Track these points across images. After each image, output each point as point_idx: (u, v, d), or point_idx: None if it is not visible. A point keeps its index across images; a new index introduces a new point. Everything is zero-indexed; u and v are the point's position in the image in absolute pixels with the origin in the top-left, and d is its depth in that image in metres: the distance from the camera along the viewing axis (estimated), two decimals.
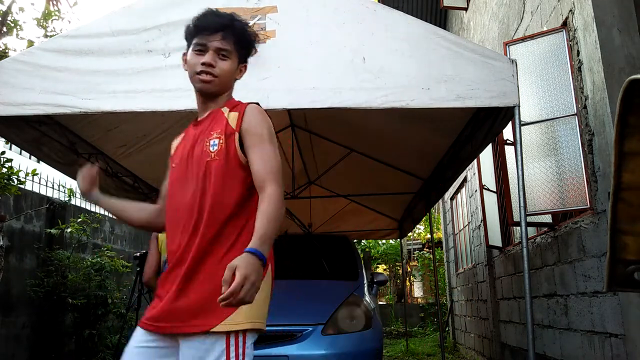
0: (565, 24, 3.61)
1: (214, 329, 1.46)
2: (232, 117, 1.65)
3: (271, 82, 2.93)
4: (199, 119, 1.76)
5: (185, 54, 1.74)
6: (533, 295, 4.02)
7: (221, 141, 1.61)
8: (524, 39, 3.80)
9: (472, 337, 7.47)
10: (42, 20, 6.54)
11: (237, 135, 1.61)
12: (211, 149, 1.62)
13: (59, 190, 6.57)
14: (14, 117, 3.01)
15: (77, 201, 6.93)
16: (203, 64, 1.65)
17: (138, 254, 6.06)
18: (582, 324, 3.54)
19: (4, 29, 6.02)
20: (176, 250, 1.58)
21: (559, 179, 3.47)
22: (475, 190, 6.41)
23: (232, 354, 1.48)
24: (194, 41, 1.69)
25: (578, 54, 3.45)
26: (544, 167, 3.56)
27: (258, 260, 1.37)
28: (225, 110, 1.69)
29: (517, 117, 2.96)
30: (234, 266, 1.32)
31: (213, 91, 1.70)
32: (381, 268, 14.67)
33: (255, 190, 1.57)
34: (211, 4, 3.02)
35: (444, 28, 7.62)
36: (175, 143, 1.88)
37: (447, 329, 9.43)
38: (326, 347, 3.47)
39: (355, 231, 8.92)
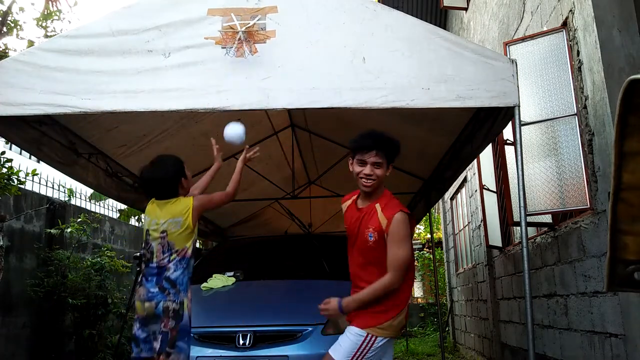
0: (565, 24, 3.61)
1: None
2: (382, 219, 2.44)
3: (271, 82, 2.93)
4: (359, 206, 2.59)
5: (351, 162, 2.57)
6: (533, 295, 4.02)
7: (375, 235, 2.45)
8: (524, 39, 3.80)
9: (472, 337, 7.47)
10: (42, 20, 6.54)
11: (385, 234, 2.43)
12: (369, 238, 2.47)
13: (59, 190, 6.56)
14: (14, 117, 3.01)
15: (77, 201, 6.93)
16: (365, 174, 2.48)
17: (138, 254, 6.07)
18: (582, 324, 3.54)
19: (4, 29, 6.02)
20: None
21: (559, 179, 3.47)
22: (475, 190, 6.41)
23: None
24: (356, 157, 2.53)
25: (578, 54, 3.45)
26: (544, 167, 3.56)
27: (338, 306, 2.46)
28: (378, 208, 2.49)
29: (517, 117, 2.96)
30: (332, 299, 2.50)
31: (372, 191, 2.52)
32: None
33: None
34: (211, 4, 3.04)
35: (444, 28, 7.62)
36: (345, 206, 2.72)
37: (447, 329, 9.43)
38: (326, 347, 3.44)
39: None
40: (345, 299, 2.45)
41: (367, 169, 2.47)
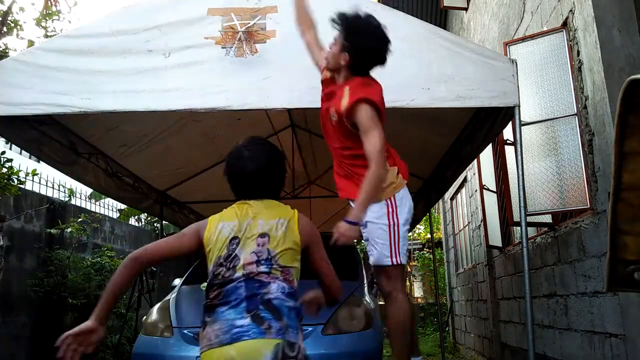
0: (565, 24, 3.61)
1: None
2: (344, 102, 2.38)
3: (271, 82, 2.93)
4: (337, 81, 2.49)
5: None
6: (533, 295, 4.02)
7: (336, 115, 2.45)
8: (524, 39, 3.79)
9: (472, 337, 7.47)
10: (42, 20, 6.54)
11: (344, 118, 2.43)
12: (331, 118, 2.50)
13: (59, 190, 6.56)
14: (14, 117, 3.01)
15: (77, 201, 6.93)
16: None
17: None
18: (582, 324, 3.54)
19: (4, 29, 6.02)
20: None
21: (559, 179, 3.47)
22: (475, 190, 6.41)
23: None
24: None
25: (578, 54, 3.45)
26: (544, 167, 3.56)
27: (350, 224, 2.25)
28: (346, 90, 2.41)
29: (517, 117, 2.96)
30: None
31: (332, 68, 2.47)
32: None
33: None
34: (211, 3, 3.04)
35: (444, 28, 7.62)
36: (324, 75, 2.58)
37: (447, 329, 9.43)
38: (326, 347, 3.46)
39: None
40: (351, 212, 2.28)
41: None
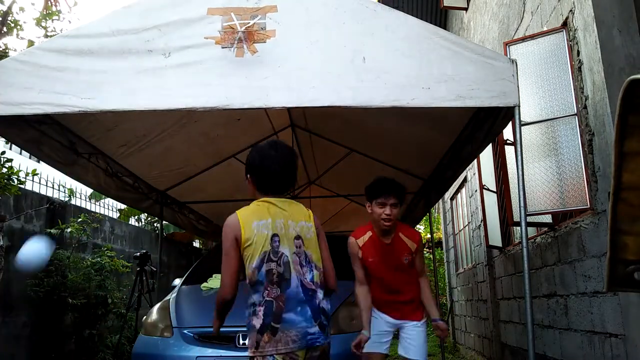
0: (565, 24, 3.61)
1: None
2: (412, 245, 3.08)
3: (271, 82, 2.93)
4: (386, 242, 3.08)
5: (369, 205, 3.07)
6: (533, 295, 4.02)
7: (409, 257, 3.08)
8: (524, 39, 3.79)
9: (472, 337, 7.47)
10: (42, 20, 6.54)
11: (414, 254, 3.10)
12: (405, 261, 3.08)
13: (59, 190, 6.56)
14: (14, 117, 3.01)
15: (77, 201, 6.93)
16: (387, 214, 2.97)
17: (138, 254, 6.07)
18: (582, 324, 3.54)
19: (4, 29, 6.02)
20: None
21: (559, 179, 3.46)
22: (475, 190, 6.40)
23: None
24: (377, 200, 3.01)
25: (578, 54, 3.45)
26: (544, 167, 3.56)
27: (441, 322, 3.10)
28: (403, 237, 3.09)
29: (517, 117, 2.96)
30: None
31: (391, 228, 3.04)
32: None
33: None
34: (211, 3, 3.04)
35: (444, 28, 7.62)
36: (362, 241, 3.14)
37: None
38: None
39: None
40: (435, 313, 3.14)
41: (387, 210, 2.98)
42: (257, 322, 1.90)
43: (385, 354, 3.16)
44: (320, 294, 1.97)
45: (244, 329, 3.51)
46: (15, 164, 4.60)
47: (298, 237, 2.01)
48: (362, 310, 3.05)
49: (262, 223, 1.97)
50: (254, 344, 1.90)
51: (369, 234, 3.11)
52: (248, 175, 2.12)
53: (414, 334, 3.16)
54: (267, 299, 1.90)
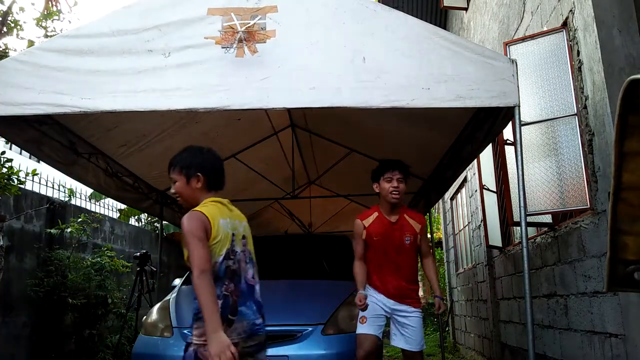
0: (565, 24, 3.61)
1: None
2: (416, 226, 3.34)
3: (271, 82, 2.93)
4: (392, 220, 3.33)
5: (377, 185, 3.34)
6: (533, 295, 4.02)
7: (411, 238, 3.32)
8: (524, 39, 3.79)
9: (472, 337, 7.47)
10: (42, 20, 6.54)
11: (418, 235, 3.36)
12: (406, 241, 3.31)
13: (59, 190, 6.56)
14: (14, 117, 3.01)
15: (77, 201, 6.93)
16: (394, 186, 3.26)
17: (138, 254, 6.07)
18: (582, 324, 3.54)
19: (4, 29, 6.02)
20: None
21: (559, 179, 3.46)
22: (475, 190, 6.40)
23: None
24: (384, 176, 3.29)
25: (578, 54, 3.45)
26: (544, 167, 3.56)
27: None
28: (407, 218, 3.35)
29: (517, 117, 2.96)
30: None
31: (398, 202, 3.30)
32: None
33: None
34: (211, 3, 3.04)
35: (444, 28, 7.62)
36: (368, 222, 3.37)
37: (447, 329, 9.43)
38: (326, 347, 3.47)
39: None
40: (437, 291, 3.40)
41: (394, 183, 3.25)
42: None
43: (379, 337, 3.25)
44: (258, 288, 2.21)
45: None
46: (15, 164, 4.60)
47: (244, 237, 2.23)
48: (358, 276, 3.34)
49: (225, 222, 2.15)
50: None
51: (375, 214, 3.37)
52: (199, 174, 2.22)
53: (412, 322, 3.25)
54: (225, 293, 2.08)
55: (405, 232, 3.29)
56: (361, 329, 3.24)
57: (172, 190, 2.30)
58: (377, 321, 3.26)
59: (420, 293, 15.53)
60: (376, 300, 3.30)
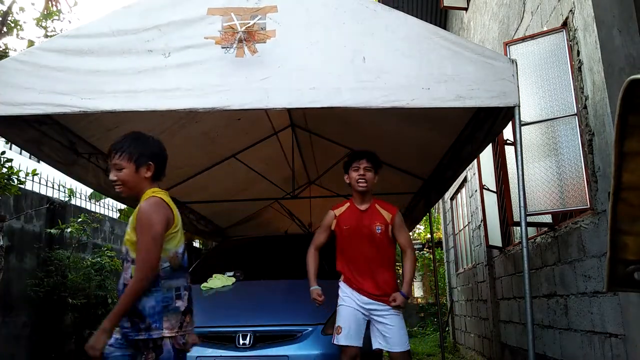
0: (565, 24, 3.61)
1: None
2: (387, 215, 3.26)
3: (271, 82, 2.93)
4: (361, 209, 3.32)
5: (347, 176, 3.34)
6: (533, 295, 4.02)
7: (382, 227, 3.23)
8: (524, 39, 3.79)
9: (472, 337, 7.47)
10: (42, 20, 6.54)
11: (390, 225, 3.25)
12: (377, 230, 3.21)
13: (59, 190, 6.56)
14: (14, 117, 3.01)
15: (77, 201, 6.93)
16: (360, 174, 3.24)
17: None
18: (582, 324, 3.54)
19: (4, 29, 6.02)
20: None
21: (559, 179, 3.46)
22: (475, 190, 6.41)
23: None
24: (352, 166, 3.28)
25: (578, 54, 3.45)
26: (544, 167, 3.56)
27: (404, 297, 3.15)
28: (378, 207, 3.30)
29: (517, 117, 2.96)
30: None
31: (366, 190, 3.28)
32: None
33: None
34: (211, 3, 3.04)
35: (444, 28, 7.62)
36: (340, 211, 3.38)
37: (447, 329, 9.43)
38: (326, 347, 3.46)
39: None
40: (404, 287, 3.18)
41: (360, 171, 3.24)
42: (182, 305, 2.11)
43: (360, 346, 3.08)
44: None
45: (244, 329, 3.54)
46: (15, 164, 4.60)
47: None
48: (310, 268, 3.33)
49: (178, 212, 2.18)
50: (178, 325, 2.08)
51: (347, 204, 3.39)
52: (150, 163, 2.18)
53: (390, 321, 3.11)
54: (188, 284, 2.14)
55: (375, 220, 3.23)
56: (338, 340, 3.10)
57: (114, 178, 2.18)
58: (356, 328, 3.12)
59: (420, 293, 15.44)
60: (350, 302, 3.18)
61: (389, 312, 3.14)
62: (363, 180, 3.23)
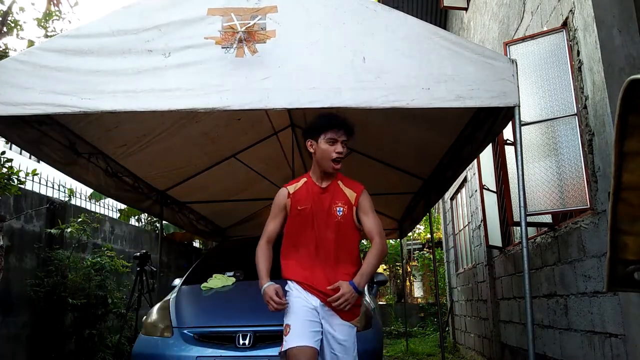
0: (565, 24, 3.61)
1: None
2: (350, 194, 2.60)
3: (271, 82, 2.93)
4: (322, 186, 2.65)
5: (312, 143, 2.62)
6: (533, 295, 4.02)
7: (344, 208, 2.58)
8: (524, 39, 3.79)
9: (472, 337, 7.47)
10: (42, 20, 6.54)
11: (354, 207, 2.60)
12: (338, 212, 2.57)
13: (59, 190, 6.56)
14: (14, 117, 3.01)
15: (77, 201, 6.93)
16: (338, 152, 2.55)
17: (138, 254, 6.07)
18: (582, 324, 3.54)
19: (4, 29, 6.02)
20: None
21: (559, 179, 3.46)
22: (475, 190, 6.41)
23: None
24: (326, 136, 2.56)
25: (578, 54, 3.45)
26: (544, 167, 3.56)
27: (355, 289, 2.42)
28: (341, 185, 2.64)
29: (517, 117, 2.96)
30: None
31: (337, 170, 2.64)
32: (381, 268, 14.67)
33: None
34: (211, 4, 3.04)
35: (444, 28, 7.62)
36: (293, 188, 2.70)
37: (447, 329, 9.43)
38: None
39: None
40: (355, 279, 2.45)
41: (339, 147, 2.56)
42: None
43: (317, 348, 2.41)
44: None
45: (244, 329, 3.53)
46: (15, 164, 4.60)
47: None
48: (260, 263, 2.60)
49: None
50: None
51: (303, 180, 2.70)
52: None
53: (341, 334, 2.47)
54: None
55: (335, 199, 2.57)
56: (287, 342, 2.40)
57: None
58: (309, 326, 2.44)
59: (420, 293, 15.40)
60: (303, 300, 2.52)
61: (342, 326, 2.48)
62: (340, 160, 2.57)
